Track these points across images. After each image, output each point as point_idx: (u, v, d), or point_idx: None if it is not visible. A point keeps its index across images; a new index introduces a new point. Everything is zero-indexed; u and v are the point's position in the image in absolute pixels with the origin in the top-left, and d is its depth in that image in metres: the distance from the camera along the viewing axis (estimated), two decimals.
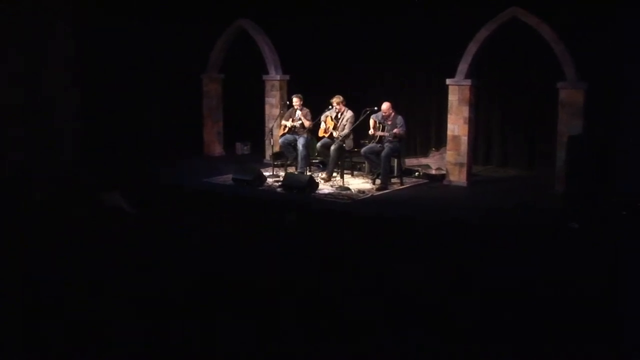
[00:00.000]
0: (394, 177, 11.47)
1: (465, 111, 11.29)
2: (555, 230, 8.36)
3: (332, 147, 11.30)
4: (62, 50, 12.44)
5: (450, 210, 9.71)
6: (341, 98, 11.55)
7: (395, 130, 10.94)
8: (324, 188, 11.05)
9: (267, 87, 13.74)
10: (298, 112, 11.95)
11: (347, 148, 11.42)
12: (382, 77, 13.63)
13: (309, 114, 11.94)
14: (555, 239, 8.06)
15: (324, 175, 11.69)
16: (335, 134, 11.43)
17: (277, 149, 12.56)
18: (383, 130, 11.10)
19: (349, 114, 11.51)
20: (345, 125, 11.44)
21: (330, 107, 11.70)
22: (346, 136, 11.32)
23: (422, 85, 13.32)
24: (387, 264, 6.86)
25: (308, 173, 11.72)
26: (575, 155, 9.93)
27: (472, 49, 11.22)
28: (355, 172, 12.19)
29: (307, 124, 11.77)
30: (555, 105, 10.71)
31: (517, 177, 12.13)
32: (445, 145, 11.83)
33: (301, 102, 11.97)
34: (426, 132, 13.60)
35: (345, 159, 11.61)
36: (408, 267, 6.73)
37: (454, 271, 6.64)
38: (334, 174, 11.56)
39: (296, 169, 11.89)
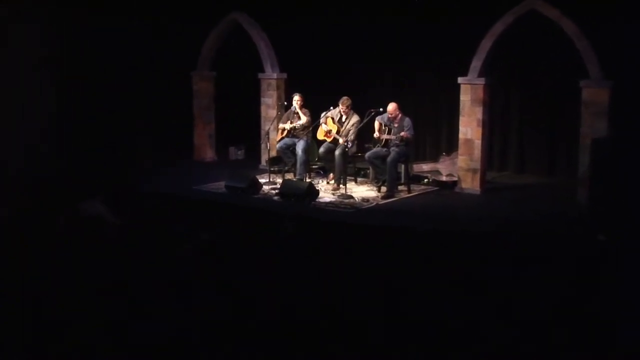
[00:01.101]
0: (400, 184, 11.47)
1: (478, 112, 11.28)
2: (579, 243, 8.33)
3: (337, 153, 11.28)
4: (37, 48, 12.43)
5: (462, 220, 9.73)
6: (349, 101, 11.54)
7: (402, 133, 10.93)
8: (325, 196, 11.06)
9: (263, 86, 13.74)
10: (295, 106, 11.95)
11: (349, 153, 11.42)
12: (388, 76, 13.65)
13: (308, 114, 11.96)
14: (579, 252, 8.01)
15: (331, 183, 11.70)
16: (341, 140, 11.40)
17: (274, 153, 12.58)
18: (389, 133, 11.11)
19: (355, 118, 11.51)
20: (350, 130, 11.43)
21: (332, 107, 11.72)
22: (352, 140, 11.34)
23: (432, 85, 13.34)
24: (394, 278, 6.85)
25: (307, 180, 11.70)
26: (600, 159, 9.91)
27: (486, 44, 11.21)
28: (358, 179, 12.21)
29: (305, 119, 11.74)
30: (578, 105, 10.70)
31: (535, 184, 12.13)
32: (456, 150, 11.84)
33: (302, 102, 11.97)
34: (436, 135, 13.61)
35: (348, 165, 11.58)
36: (416, 282, 6.73)
37: (466, 286, 6.62)
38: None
39: (295, 176, 11.87)
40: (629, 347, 5.12)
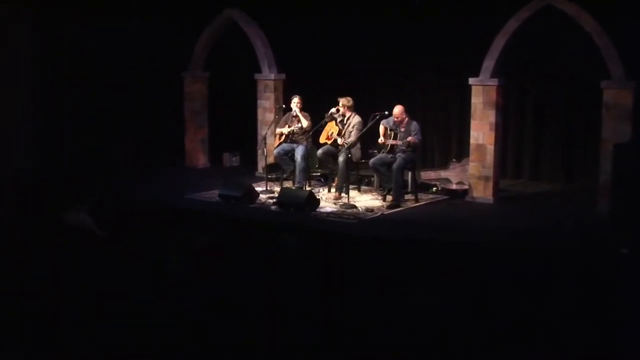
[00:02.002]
0: (407, 192, 11.47)
1: (491, 115, 11.27)
2: (600, 257, 8.28)
3: (340, 159, 11.27)
4: (19, 48, 12.46)
5: (474, 231, 9.71)
6: (351, 101, 11.59)
7: (409, 139, 10.93)
8: (326, 206, 11.03)
9: (260, 87, 13.76)
10: (295, 109, 11.96)
11: (353, 159, 11.40)
12: (393, 77, 13.63)
13: (308, 117, 11.97)
14: (600, 266, 7.95)
15: (332, 192, 11.69)
16: (340, 140, 11.44)
17: (271, 160, 12.56)
18: (395, 138, 11.10)
19: (356, 119, 11.54)
20: (351, 132, 11.43)
21: (334, 109, 11.73)
22: (352, 144, 11.29)
23: (441, 86, 13.34)
24: (400, 293, 6.84)
25: (307, 188, 11.69)
26: (622, 166, 9.84)
27: (499, 42, 11.20)
28: (362, 187, 12.20)
29: (306, 123, 11.75)
30: (599, 108, 10.69)
31: (552, 192, 12.12)
32: (467, 156, 11.84)
33: (301, 105, 11.98)
34: (445, 140, 13.59)
35: (351, 172, 11.57)
36: (424, 298, 6.72)
37: (477, 303, 6.61)
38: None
39: (293, 184, 11.84)
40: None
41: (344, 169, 11.26)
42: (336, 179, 11.79)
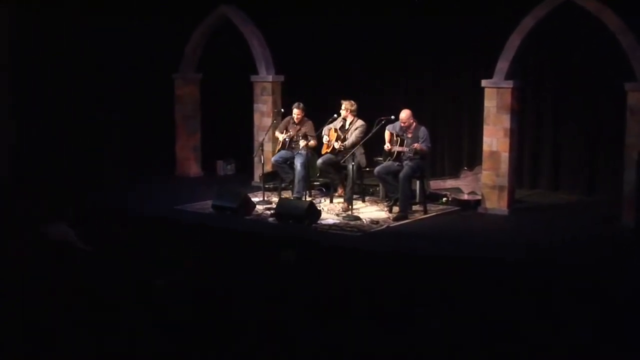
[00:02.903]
0: (415, 203, 11.52)
1: (505, 120, 11.26)
2: (625, 275, 8.25)
3: (349, 167, 11.23)
4: None
5: (487, 245, 9.71)
6: (354, 105, 11.64)
7: (416, 145, 10.92)
8: (328, 217, 11.05)
9: (257, 90, 13.77)
10: (293, 120, 12.02)
11: (362, 165, 11.54)
12: (400, 79, 13.71)
13: (312, 128, 11.97)
14: (624, 285, 7.91)
15: (334, 202, 11.74)
16: (336, 144, 11.51)
17: (268, 168, 12.58)
18: (402, 144, 11.11)
19: (358, 122, 11.63)
20: (353, 134, 11.51)
21: (335, 115, 11.75)
22: (353, 145, 11.30)
23: (452, 89, 13.38)
24: (407, 314, 6.80)
25: (308, 199, 11.68)
26: None
27: (514, 41, 11.17)
28: (367, 198, 12.23)
29: (312, 143, 11.81)
30: (622, 111, 10.69)
31: (572, 204, 12.13)
32: (480, 164, 11.84)
33: (302, 115, 11.99)
34: (456, 146, 13.64)
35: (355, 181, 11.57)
36: (433, 319, 6.66)
37: (490, 325, 6.55)
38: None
39: (292, 194, 11.86)
40: None
41: (354, 176, 11.23)
42: (339, 188, 11.91)
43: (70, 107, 13.59)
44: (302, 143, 11.69)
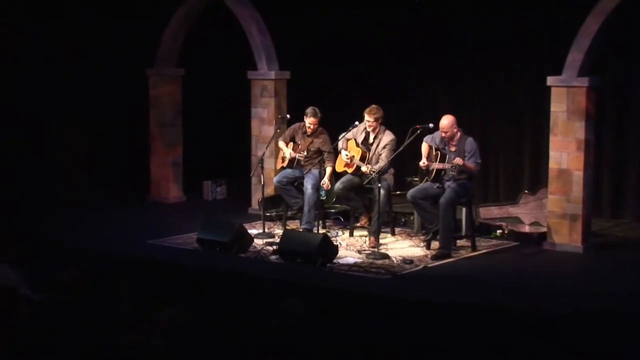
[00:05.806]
0: (461, 237, 11.61)
1: (579, 129, 11.26)
2: None
3: (380, 193, 11.24)
4: None
5: (555, 294, 9.59)
6: (380, 111, 11.58)
7: (461, 161, 10.81)
8: (347, 255, 11.07)
9: (256, 90, 13.90)
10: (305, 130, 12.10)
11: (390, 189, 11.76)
12: (439, 78, 13.84)
13: (328, 143, 12.01)
14: None
15: (356, 236, 11.82)
16: (364, 168, 11.45)
17: (270, 191, 12.65)
18: (442, 160, 11.08)
19: (387, 137, 11.65)
20: (380, 154, 11.53)
21: (357, 123, 11.77)
22: (382, 170, 11.33)
23: (506, 89, 13.52)
24: None
25: (321, 231, 11.71)
26: None
27: (590, 27, 11.11)
28: (397, 229, 12.30)
29: (330, 170, 11.91)
30: None
31: None
32: (545, 186, 11.86)
33: (317, 123, 12.03)
34: (514, 163, 13.71)
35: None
36: None
37: None
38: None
39: (301, 225, 11.86)
40: None
41: (382, 202, 11.26)
42: (362, 217, 11.94)
43: (15, 115, 13.61)
44: (328, 170, 11.79)
